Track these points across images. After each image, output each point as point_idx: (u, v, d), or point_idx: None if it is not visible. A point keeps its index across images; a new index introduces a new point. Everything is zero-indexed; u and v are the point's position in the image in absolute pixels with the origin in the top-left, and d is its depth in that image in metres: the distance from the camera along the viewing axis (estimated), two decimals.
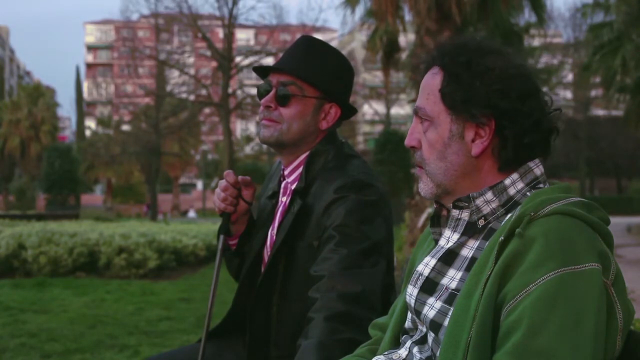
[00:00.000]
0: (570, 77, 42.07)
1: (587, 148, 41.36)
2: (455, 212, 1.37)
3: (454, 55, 1.35)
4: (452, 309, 1.27)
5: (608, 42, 18.96)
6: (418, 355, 1.39)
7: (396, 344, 1.49)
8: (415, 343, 1.41)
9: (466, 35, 1.55)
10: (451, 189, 1.36)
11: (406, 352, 1.42)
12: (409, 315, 1.46)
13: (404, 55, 15.50)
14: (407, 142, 1.41)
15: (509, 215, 1.29)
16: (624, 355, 1.23)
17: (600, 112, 43.56)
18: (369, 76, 42.09)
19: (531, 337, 1.12)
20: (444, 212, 1.42)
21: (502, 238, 1.20)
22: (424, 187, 1.39)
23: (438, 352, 1.27)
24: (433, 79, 1.37)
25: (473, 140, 1.33)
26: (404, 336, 1.47)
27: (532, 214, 1.20)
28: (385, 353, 1.47)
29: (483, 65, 1.31)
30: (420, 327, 1.41)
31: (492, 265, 1.20)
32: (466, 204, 1.34)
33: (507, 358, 1.13)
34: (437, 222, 1.43)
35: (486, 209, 1.33)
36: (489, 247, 1.24)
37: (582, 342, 1.11)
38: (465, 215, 1.35)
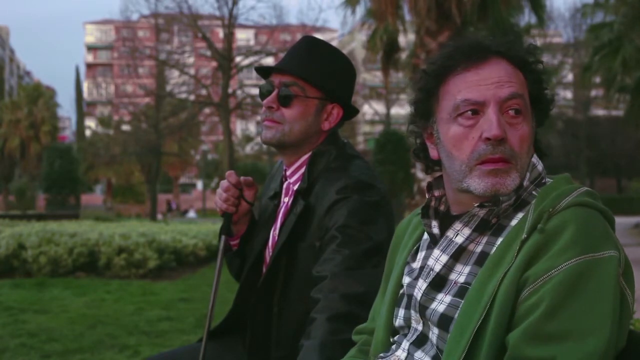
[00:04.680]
0: (570, 77, 42.10)
1: (587, 148, 41.38)
2: (475, 210, 1.33)
3: (535, 55, 1.36)
4: (463, 301, 1.26)
5: (608, 43, 18.97)
6: (421, 355, 1.36)
7: (388, 344, 1.46)
8: (414, 344, 1.38)
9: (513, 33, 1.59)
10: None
11: (405, 354, 1.39)
12: (400, 312, 1.43)
13: (404, 55, 15.50)
14: (499, 132, 1.27)
15: (520, 213, 1.30)
16: (624, 355, 1.23)
17: (600, 112, 43.58)
18: (369, 76, 42.06)
19: (548, 319, 1.14)
20: (433, 203, 1.42)
21: (524, 236, 1.22)
22: (511, 183, 1.29)
23: (445, 347, 1.26)
24: (516, 74, 1.33)
25: None
26: (397, 336, 1.45)
27: (551, 209, 1.22)
28: (381, 356, 1.44)
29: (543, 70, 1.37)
30: (415, 325, 1.39)
31: (512, 260, 1.21)
32: (490, 204, 1.31)
33: (522, 337, 1.15)
34: (427, 213, 1.43)
35: (502, 209, 1.33)
36: (505, 243, 1.25)
37: (599, 326, 1.13)
38: (482, 212, 1.33)
